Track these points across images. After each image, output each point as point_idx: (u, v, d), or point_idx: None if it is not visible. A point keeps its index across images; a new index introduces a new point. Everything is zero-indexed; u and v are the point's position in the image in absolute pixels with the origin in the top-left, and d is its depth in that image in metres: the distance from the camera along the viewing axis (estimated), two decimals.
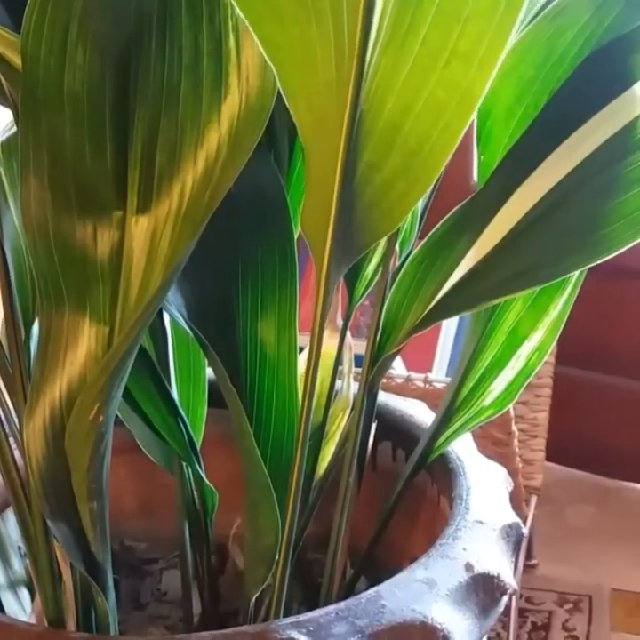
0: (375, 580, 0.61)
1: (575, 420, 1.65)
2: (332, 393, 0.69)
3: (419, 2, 0.43)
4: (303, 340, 0.64)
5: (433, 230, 0.62)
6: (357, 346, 0.73)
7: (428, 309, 0.63)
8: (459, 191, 0.66)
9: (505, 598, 0.61)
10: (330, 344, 0.72)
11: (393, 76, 0.44)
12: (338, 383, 0.73)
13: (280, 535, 0.60)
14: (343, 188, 0.46)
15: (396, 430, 0.81)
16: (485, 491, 0.69)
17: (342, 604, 0.56)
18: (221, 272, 0.62)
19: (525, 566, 1.50)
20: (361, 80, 0.44)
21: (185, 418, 0.70)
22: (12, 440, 0.64)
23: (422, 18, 0.43)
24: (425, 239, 0.63)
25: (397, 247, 0.67)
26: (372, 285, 0.69)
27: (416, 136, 0.45)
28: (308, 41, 0.44)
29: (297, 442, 0.55)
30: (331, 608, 0.55)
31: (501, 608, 0.61)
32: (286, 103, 0.46)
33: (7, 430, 0.66)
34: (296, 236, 0.62)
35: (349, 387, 0.73)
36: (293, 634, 0.53)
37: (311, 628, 0.54)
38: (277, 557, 0.60)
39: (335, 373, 0.68)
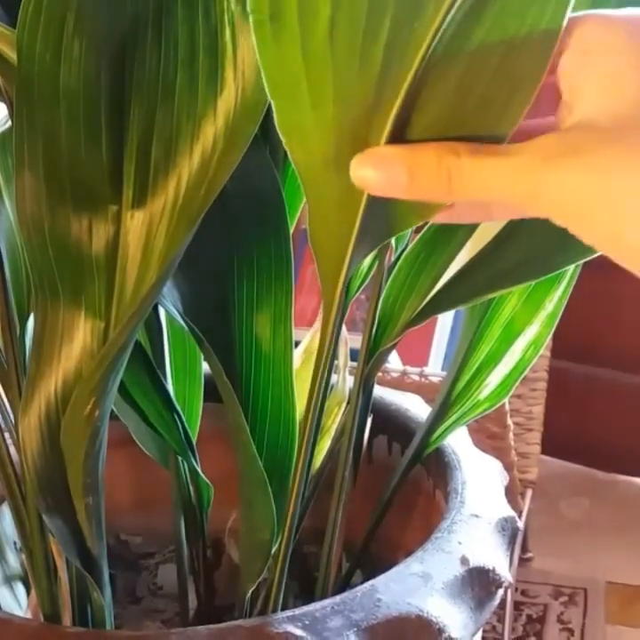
0: (371, 574, 0.61)
1: (570, 413, 1.66)
2: (327, 387, 0.69)
3: (479, 11, 0.40)
4: (299, 334, 0.64)
5: (429, 224, 0.62)
6: (353, 340, 0.73)
7: (424, 303, 0.63)
8: None
9: (500, 592, 0.61)
10: None
11: (440, 90, 0.42)
12: (333, 377, 0.73)
13: (277, 530, 0.60)
14: (366, 212, 0.44)
15: (391, 424, 0.81)
16: (481, 484, 0.69)
17: (338, 598, 0.56)
18: (217, 266, 0.62)
19: (521, 559, 1.51)
20: (404, 108, 0.42)
21: (180, 412, 0.70)
22: (7, 435, 0.64)
23: (480, 25, 0.40)
24: (421, 233, 0.63)
25: (393, 241, 0.67)
26: (368, 279, 0.69)
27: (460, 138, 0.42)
28: (343, 82, 0.42)
29: (302, 442, 0.55)
30: (326, 602, 0.56)
31: (497, 601, 0.62)
32: (287, 144, 0.44)
33: (2, 425, 0.66)
34: (291, 230, 0.62)
35: (345, 381, 0.73)
36: (289, 628, 0.53)
37: (307, 622, 0.54)
38: (277, 552, 0.60)
39: (331, 367, 0.68)
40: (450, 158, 0.39)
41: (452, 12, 0.39)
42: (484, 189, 0.39)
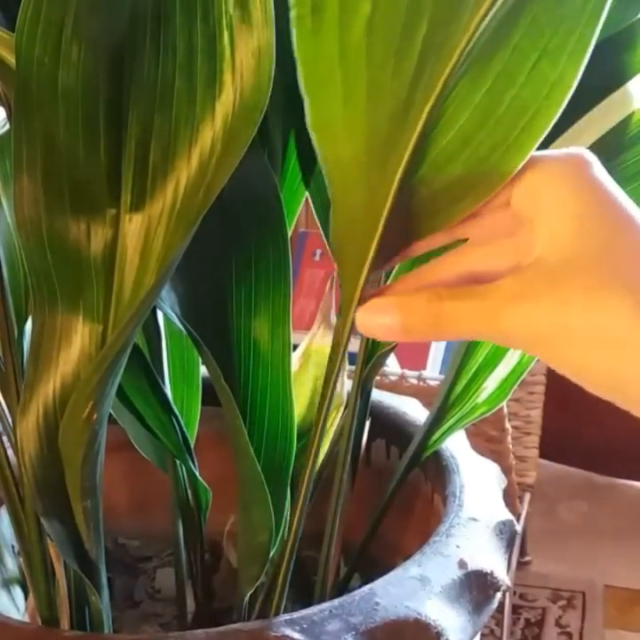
0: (369, 578, 0.61)
1: (568, 417, 1.66)
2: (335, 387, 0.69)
3: (514, 17, 0.41)
4: (297, 337, 0.64)
5: None
6: (351, 343, 0.73)
7: None
8: None
9: (498, 595, 0.61)
10: (323, 342, 0.72)
11: (472, 92, 0.43)
12: None
13: (276, 533, 0.60)
14: (392, 214, 0.45)
15: (389, 428, 0.81)
16: (479, 488, 0.69)
17: (336, 602, 0.56)
18: (215, 270, 0.62)
19: (519, 563, 1.51)
20: (435, 108, 0.42)
21: (179, 416, 0.70)
22: (5, 438, 0.64)
23: (516, 30, 0.42)
24: None
25: None
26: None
27: (489, 143, 0.43)
28: (377, 79, 0.43)
29: (311, 444, 0.55)
30: (325, 605, 0.56)
31: (495, 605, 0.62)
32: (317, 141, 0.45)
33: (0, 429, 0.66)
34: (290, 233, 0.62)
35: (343, 384, 0.73)
36: (287, 631, 0.53)
37: (305, 626, 0.54)
38: (279, 556, 0.60)
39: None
40: (435, 304, 0.42)
41: (488, 17, 0.40)
42: (464, 330, 0.42)
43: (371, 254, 0.46)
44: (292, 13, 0.43)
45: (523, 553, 1.54)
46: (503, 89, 0.42)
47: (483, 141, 0.43)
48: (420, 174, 0.44)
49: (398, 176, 0.44)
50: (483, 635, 1.33)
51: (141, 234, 0.51)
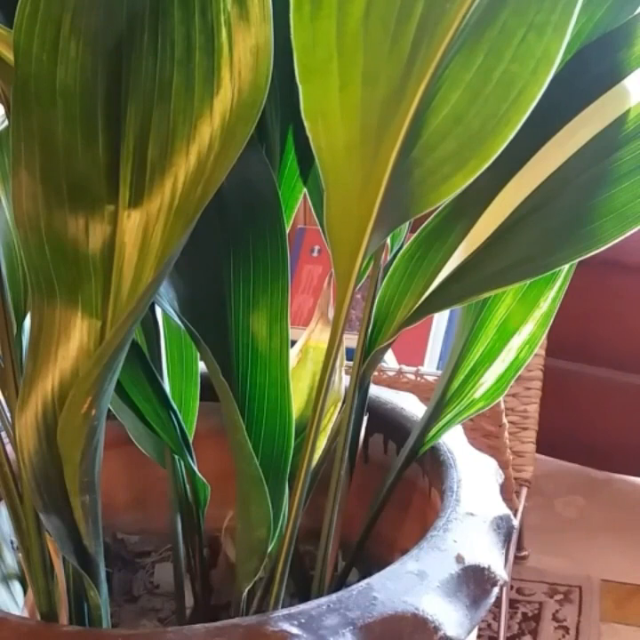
0: (367, 572, 0.61)
1: (565, 412, 1.66)
2: (332, 376, 0.69)
3: None
4: (295, 333, 0.64)
5: (424, 224, 0.63)
6: (349, 339, 0.73)
7: (420, 303, 0.63)
8: None
9: (496, 590, 0.62)
10: (321, 337, 0.72)
11: (463, 71, 0.44)
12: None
13: (274, 528, 0.61)
14: (386, 195, 0.45)
15: (387, 423, 0.81)
16: (476, 483, 0.69)
17: (334, 597, 0.56)
18: (213, 266, 0.62)
19: (516, 558, 1.51)
20: (428, 89, 0.43)
21: (177, 411, 0.70)
22: (3, 434, 0.64)
23: (504, 7, 0.43)
24: (416, 233, 0.63)
25: (388, 241, 0.67)
26: (364, 279, 0.69)
27: (479, 120, 0.44)
28: (373, 63, 0.44)
29: (308, 438, 0.55)
30: (322, 600, 0.56)
31: (492, 599, 0.62)
32: (311, 129, 0.45)
33: None
34: (288, 230, 0.62)
35: (341, 380, 0.73)
36: (285, 626, 0.53)
37: (303, 621, 0.54)
38: (277, 551, 0.60)
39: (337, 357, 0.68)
40: None
41: None
42: None
43: (366, 239, 0.46)
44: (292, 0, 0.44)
45: (520, 547, 1.54)
46: (493, 65, 0.43)
47: (473, 118, 0.44)
48: (412, 155, 0.45)
49: (392, 159, 0.44)
50: (480, 629, 1.33)
51: (140, 230, 0.51)
